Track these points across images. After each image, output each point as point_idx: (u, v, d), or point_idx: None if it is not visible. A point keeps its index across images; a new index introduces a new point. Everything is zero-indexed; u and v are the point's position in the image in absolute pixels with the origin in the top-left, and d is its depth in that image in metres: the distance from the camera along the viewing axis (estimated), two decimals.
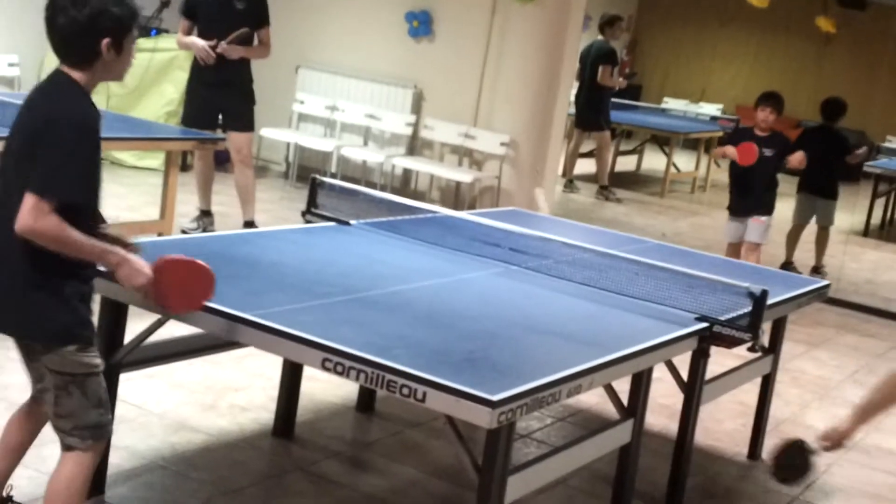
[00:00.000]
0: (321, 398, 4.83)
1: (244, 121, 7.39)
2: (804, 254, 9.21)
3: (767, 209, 7.33)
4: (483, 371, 3.04)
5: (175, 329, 3.71)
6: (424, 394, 2.82)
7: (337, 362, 2.95)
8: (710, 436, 5.13)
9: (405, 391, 2.85)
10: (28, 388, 3.19)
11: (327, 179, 4.79)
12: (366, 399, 4.81)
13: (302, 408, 4.53)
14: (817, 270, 9.10)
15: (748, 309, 3.85)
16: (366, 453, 4.43)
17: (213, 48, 7.07)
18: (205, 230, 7.33)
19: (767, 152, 7.18)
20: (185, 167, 8.89)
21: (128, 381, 4.32)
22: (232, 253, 3.95)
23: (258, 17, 7.31)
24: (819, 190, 9.00)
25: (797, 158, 7.34)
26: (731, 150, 7.16)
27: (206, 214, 7.50)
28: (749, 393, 5.14)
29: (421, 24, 9.52)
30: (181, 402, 4.55)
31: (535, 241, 4.50)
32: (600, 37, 11.83)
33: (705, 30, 18.35)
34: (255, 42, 7.40)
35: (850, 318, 7.93)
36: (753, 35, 17.93)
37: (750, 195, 7.28)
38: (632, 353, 3.41)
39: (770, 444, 5.07)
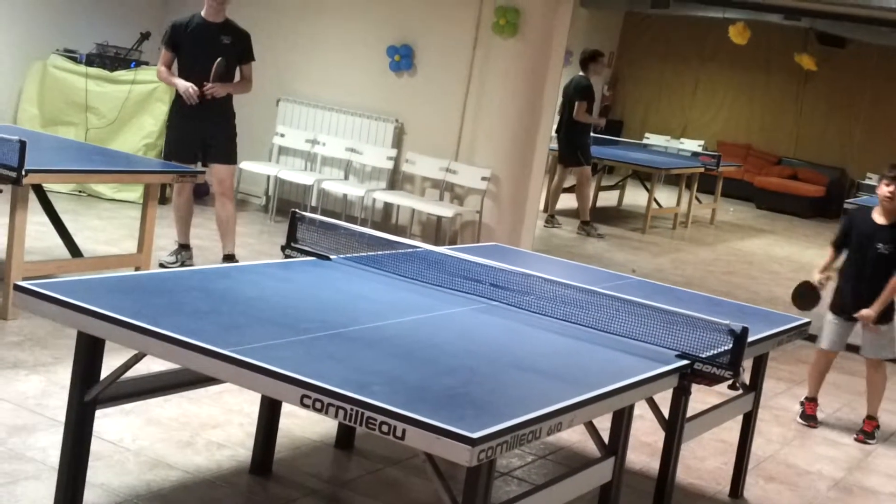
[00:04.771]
0: (300, 435, 4.78)
1: (227, 153, 7.39)
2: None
3: None
4: (463, 408, 3.00)
5: (152, 364, 3.67)
6: (404, 431, 2.78)
7: (315, 399, 2.91)
8: (692, 474, 5.10)
9: (384, 428, 2.81)
10: None
11: (307, 214, 4.77)
12: (345, 436, 4.76)
13: (280, 444, 4.48)
14: None
15: (729, 346, 3.83)
16: (344, 491, 4.38)
17: (200, 89, 7.08)
18: (183, 264, 7.29)
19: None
20: (163, 200, 8.86)
21: (104, 418, 4.29)
22: (210, 287, 3.91)
23: (243, 52, 7.36)
24: None
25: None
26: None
27: (184, 248, 7.46)
28: (731, 431, 5.12)
29: (403, 59, 9.54)
30: (157, 439, 4.49)
31: (516, 277, 4.48)
32: (580, 73, 11.86)
33: (686, 66, 18.46)
34: (238, 77, 7.41)
35: None
36: (734, 72, 18.05)
37: None
38: (613, 390, 3.38)
39: (751, 483, 5.06)
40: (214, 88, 7.13)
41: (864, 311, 5.92)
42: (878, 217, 5.92)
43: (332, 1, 9.97)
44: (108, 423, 4.42)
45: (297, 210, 4.74)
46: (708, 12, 15.51)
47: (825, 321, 6.20)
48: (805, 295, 6.06)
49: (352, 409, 2.86)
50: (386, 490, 4.40)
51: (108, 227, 8.25)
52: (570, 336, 3.96)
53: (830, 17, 13.10)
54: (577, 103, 11.55)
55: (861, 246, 5.97)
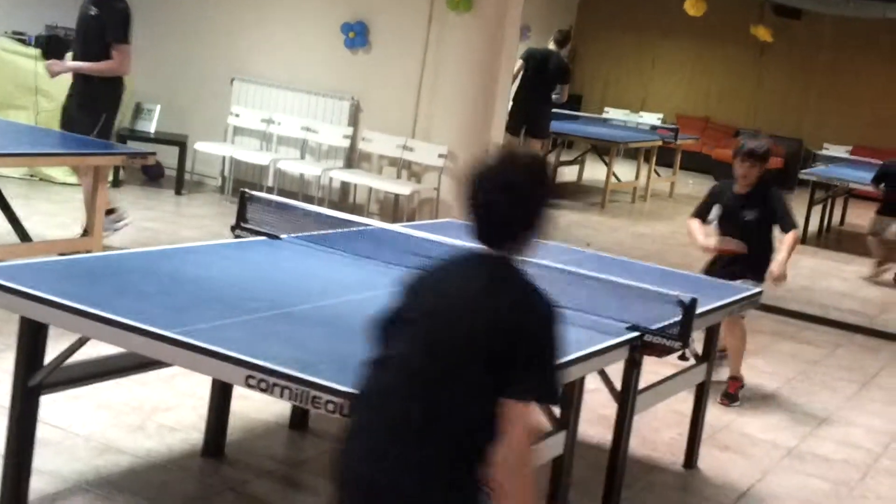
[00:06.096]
0: (254, 416, 4.74)
1: (78, 127, 7.07)
2: None
3: None
4: None
5: (100, 348, 3.63)
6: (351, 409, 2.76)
7: (261, 379, 2.89)
8: (647, 445, 5.12)
9: (330, 407, 2.80)
10: None
11: (258, 193, 4.72)
12: (299, 416, 4.73)
13: (233, 427, 4.44)
14: None
15: (679, 318, 3.84)
16: (298, 472, 4.36)
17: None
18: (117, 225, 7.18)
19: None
20: (116, 182, 8.78)
21: (52, 403, 4.22)
22: (157, 269, 3.87)
23: (105, 28, 7.01)
24: None
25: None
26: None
27: (111, 212, 7.21)
28: (686, 402, 5.14)
29: (357, 36, 9.47)
30: (107, 424, 4.44)
31: None
32: (552, 45, 11.61)
33: (645, 40, 18.48)
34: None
35: (786, 326, 7.97)
36: (692, 45, 18.09)
37: None
38: (561, 363, 3.37)
39: (705, 453, 5.08)
40: (50, 66, 7.22)
41: (774, 270, 5.99)
42: (739, 189, 6.18)
43: None
44: (58, 408, 4.37)
45: (246, 190, 4.69)
46: None
47: None
48: None
49: (297, 389, 2.84)
50: None
51: (60, 212, 8.15)
52: None
53: None
54: (563, 86, 11.51)
55: (730, 218, 6.21)
